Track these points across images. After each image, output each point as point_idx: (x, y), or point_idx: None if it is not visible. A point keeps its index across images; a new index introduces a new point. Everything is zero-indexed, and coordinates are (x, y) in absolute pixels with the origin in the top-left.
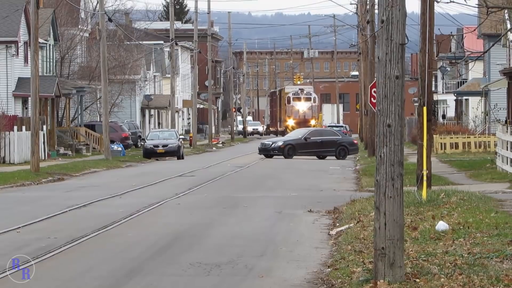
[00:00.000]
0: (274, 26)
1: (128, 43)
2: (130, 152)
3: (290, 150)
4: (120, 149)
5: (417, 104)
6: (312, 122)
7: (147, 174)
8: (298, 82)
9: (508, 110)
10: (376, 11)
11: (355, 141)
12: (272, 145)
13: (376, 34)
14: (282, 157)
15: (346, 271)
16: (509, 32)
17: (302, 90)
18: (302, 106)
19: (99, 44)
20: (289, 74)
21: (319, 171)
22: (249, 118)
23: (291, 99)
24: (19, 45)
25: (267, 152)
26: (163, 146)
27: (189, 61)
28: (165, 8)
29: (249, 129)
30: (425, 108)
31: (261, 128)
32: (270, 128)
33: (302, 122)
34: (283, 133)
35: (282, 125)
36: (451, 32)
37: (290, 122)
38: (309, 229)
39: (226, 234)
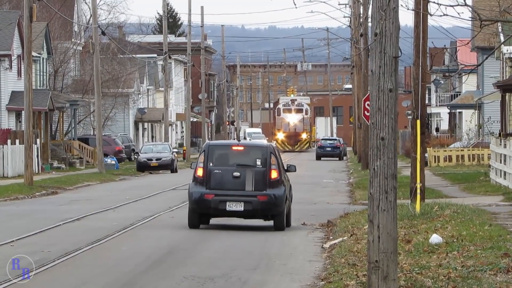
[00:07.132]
0: (268, 39)
1: (122, 56)
2: (123, 166)
3: None
4: (113, 162)
5: (410, 117)
6: (304, 136)
7: (141, 187)
8: (292, 95)
9: (501, 123)
10: (370, 24)
11: None
12: None
13: (369, 47)
14: None
15: (339, 284)
16: (502, 45)
17: (293, 101)
18: (292, 118)
19: (93, 58)
20: (283, 87)
21: (312, 184)
22: (257, 130)
23: (281, 111)
24: (12, 59)
25: None
26: (157, 159)
27: (183, 74)
28: (158, 22)
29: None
30: (418, 121)
31: (265, 142)
32: (272, 141)
33: (293, 136)
34: None
35: (272, 138)
36: (445, 45)
37: (280, 135)
38: (302, 242)
39: (220, 247)
